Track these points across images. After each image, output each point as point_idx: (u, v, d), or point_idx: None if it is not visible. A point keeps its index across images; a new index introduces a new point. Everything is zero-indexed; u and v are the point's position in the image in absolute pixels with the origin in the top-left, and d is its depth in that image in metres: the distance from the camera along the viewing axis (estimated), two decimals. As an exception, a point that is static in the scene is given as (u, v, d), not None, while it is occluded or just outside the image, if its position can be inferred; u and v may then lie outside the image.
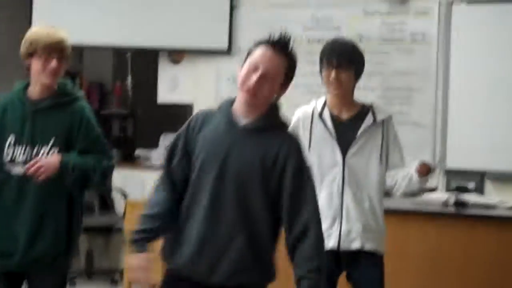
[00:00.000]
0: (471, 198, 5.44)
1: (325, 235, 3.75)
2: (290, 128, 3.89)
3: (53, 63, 3.70)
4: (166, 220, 3.17)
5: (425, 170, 3.93)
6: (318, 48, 7.29)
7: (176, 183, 3.20)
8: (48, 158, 3.69)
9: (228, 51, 7.35)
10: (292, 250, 3.06)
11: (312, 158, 3.88)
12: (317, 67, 6.98)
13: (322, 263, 3.03)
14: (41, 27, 3.89)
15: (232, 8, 7.33)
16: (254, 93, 3.06)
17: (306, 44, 7.13)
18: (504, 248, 4.87)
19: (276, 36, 3.11)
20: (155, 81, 7.78)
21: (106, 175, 3.95)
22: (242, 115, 3.12)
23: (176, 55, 7.65)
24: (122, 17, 7.52)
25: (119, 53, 8.13)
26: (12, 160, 3.74)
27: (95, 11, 7.48)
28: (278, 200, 3.08)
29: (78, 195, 3.92)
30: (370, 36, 6.96)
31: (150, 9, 7.53)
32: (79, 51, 8.97)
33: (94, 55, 9.02)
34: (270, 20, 7.21)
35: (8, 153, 3.75)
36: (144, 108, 8.14)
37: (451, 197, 5.37)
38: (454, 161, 6.69)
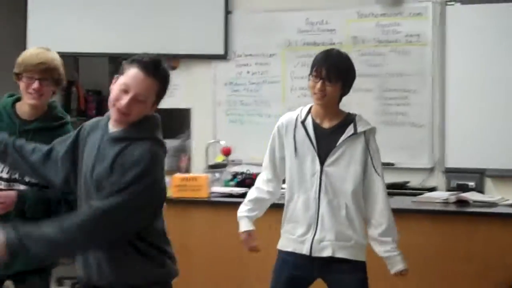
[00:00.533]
0: (471, 196, 5.43)
1: (298, 241, 3.98)
2: (273, 133, 4.12)
3: (35, 84, 3.73)
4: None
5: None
6: (314, 51, 7.32)
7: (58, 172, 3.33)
8: (6, 193, 3.71)
9: (224, 56, 7.36)
10: None
11: (289, 162, 4.00)
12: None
13: None
14: (33, 49, 3.93)
15: (227, 13, 7.32)
16: (124, 113, 3.09)
17: (301, 47, 7.14)
18: (507, 245, 4.86)
19: (147, 58, 3.14)
20: (152, 87, 7.77)
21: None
22: (113, 126, 3.17)
23: (172, 61, 7.65)
24: (117, 25, 7.52)
25: (114, 60, 8.12)
26: None
27: (90, 20, 7.48)
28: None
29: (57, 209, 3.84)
30: (365, 38, 6.99)
31: (144, 16, 7.52)
32: (75, 59, 9.00)
33: (90, 63, 9.03)
34: (265, 24, 7.28)
35: None
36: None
37: (452, 196, 5.37)
38: (453, 161, 6.72)
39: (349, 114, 3.99)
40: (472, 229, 4.95)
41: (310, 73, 3.92)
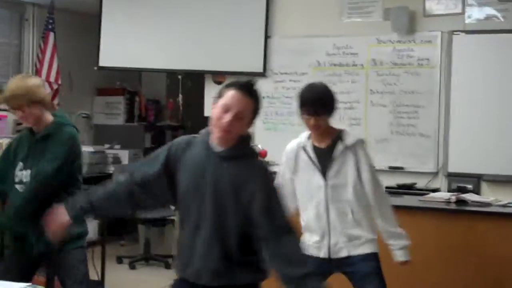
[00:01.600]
0: (469, 197, 5.40)
1: (315, 246, 3.97)
2: (282, 163, 4.13)
3: (17, 114, 3.94)
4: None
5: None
6: (339, 71, 7.36)
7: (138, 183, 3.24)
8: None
9: (263, 73, 7.36)
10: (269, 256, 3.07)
11: (299, 181, 4.02)
12: (338, 87, 7.00)
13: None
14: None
15: (266, 37, 7.34)
16: (227, 131, 3.01)
17: (328, 67, 7.15)
18: (502, 241, 4.82)
19: (243, 81, 3.10)
20: (202, 99, 7.81)
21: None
22: (217, 145, 3.09)
23: (219, 77, 7.68)
24: (173, 45, 7.57)
25: (171, 75, 8.17)
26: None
27: (152, 41, 7.55)
28: (250, 217, 3.04)
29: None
30: (383, 61, 6.95)
31: (197, 38, 7.57)
32: (139, 73, 9.08)
33: (151, 77, 9.14)
34: (298, 47, 7.28)
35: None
36: (193, 121, 8.18)
37: (453, 196, 5.34)
38: (455, 166, 6.66)
39: (339, 131, 3.98)
40: (470, 225, 4.92)
41: (301, 111, 3.94)
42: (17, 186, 3.93)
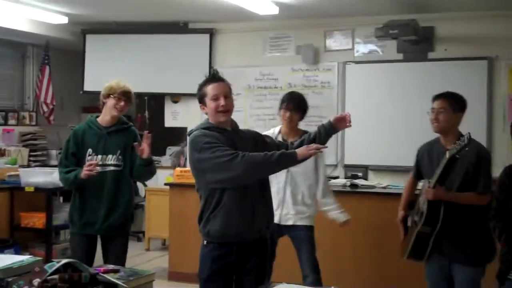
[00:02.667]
0: (360, 182, 5.53)
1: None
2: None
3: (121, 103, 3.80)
4: None
5: None
6: (264, 92, 7.42)
7: None
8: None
9: (208, 95, 7.28)
10: None
11: None
12: (264, 104, 7.07)
13: None
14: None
15: (210, 67, 7.23)
16: (227, 110, 2.87)
17: (256, 89, 7.21)
18: (382, 213, 4.94)
19: (210, 75, 2.96)
20: (163, 113, 7.77)
21: (154, 172, 3.89)
22: (223, 126, 2.89)
23: (175, 97, 7.67)
24: (141, 74, 7.40)
25: (140, 96, 8.12)
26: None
27: (124, 70, 7.38)
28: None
29: (133, 182, 3.88)
30: (296, 84, 6.95)
31: (159, 68, 7.40)
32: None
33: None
34: (233, 74, 7.17)
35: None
36: (156, 130, 8.14)
37: (348, 182, 5.46)
38: (349, 159, 6.72)
39: (304, 131, 3.95)
40: (360, 202, 5.03)
41: (280, 107, 3.99)
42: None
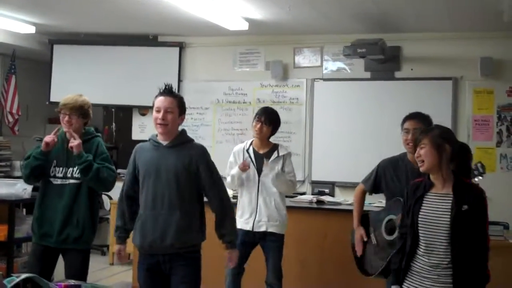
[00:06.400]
0: (326, 198, 5.54)
1: (245, 222, 4.12)
2: (231, 157, 4.24)
3: (66, 118, 3.73)
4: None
5: None
6: (233, 106, 7.43)
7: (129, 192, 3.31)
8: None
9: (177, 108, 7.25)
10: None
11: (244, 174, 4.12)
12: (232, 118, 7.10)
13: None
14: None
15: (179, 81, 7.31)
16: (163, 123, 3.08)
17: (225, 104, 7.20)
18: (348, 230, 4.94)
19: (163, 87, 3.14)
20: (130, 126, 7.72)
21: (100, 177, 3.67)
22: (162, 140, 3.16)
23: (143, 110, 7.61)
24: (109, 85, 7.39)
25: (107, 108, 8.04)
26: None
27: (91, 82, 7.34)
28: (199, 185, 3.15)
29: (95, 194, 3.76)
30: (265, 99, 6.98)
31: (127, 80, 7.38)
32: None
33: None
34: (202, 88, 7.28)
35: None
36: (123, 143, 8.05)
37: (314, 198, 5.46)
38: (316, 176, 6.77)
39: (275, 144, 4.23)
40: (326, 218, 4.99)
41: (254, 119, 4.18)
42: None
